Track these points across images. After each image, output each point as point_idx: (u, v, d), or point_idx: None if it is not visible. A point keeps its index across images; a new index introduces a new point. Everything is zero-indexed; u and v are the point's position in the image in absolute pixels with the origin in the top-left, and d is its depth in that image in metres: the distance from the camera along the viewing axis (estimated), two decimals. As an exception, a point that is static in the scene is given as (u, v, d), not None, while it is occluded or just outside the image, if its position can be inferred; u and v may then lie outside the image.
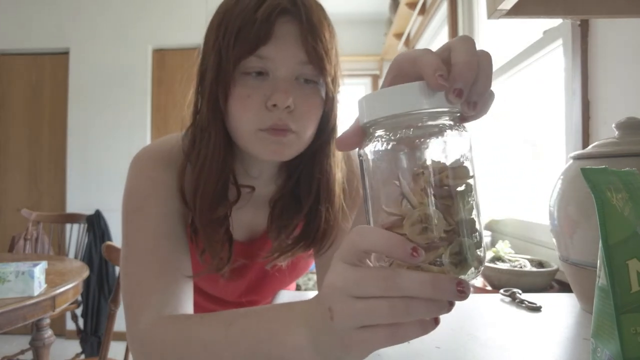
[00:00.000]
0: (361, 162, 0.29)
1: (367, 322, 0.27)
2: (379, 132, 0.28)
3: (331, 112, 0.54)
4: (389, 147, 0.27)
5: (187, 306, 0.50)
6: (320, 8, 0.52)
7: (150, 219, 0.51)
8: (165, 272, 0.49)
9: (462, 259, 0.25)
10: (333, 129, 0.56)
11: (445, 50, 0.28)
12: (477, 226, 0.27)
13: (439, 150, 0.26)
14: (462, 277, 0.25)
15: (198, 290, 0.66)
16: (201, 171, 0.52)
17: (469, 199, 0.26)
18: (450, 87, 0.26)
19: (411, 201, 0.26)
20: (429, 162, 0.26)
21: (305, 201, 0.57)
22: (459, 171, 0.26)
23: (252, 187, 0.58)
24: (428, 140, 0.27)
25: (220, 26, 0.50)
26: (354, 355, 0.30)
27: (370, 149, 0.28)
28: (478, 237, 0.26)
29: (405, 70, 0.29)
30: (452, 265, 0.25)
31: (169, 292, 0.48)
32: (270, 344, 0.35)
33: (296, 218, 0.58)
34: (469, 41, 0.28)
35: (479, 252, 0.26)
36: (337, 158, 0.58)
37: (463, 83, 0.26)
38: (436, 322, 0.27)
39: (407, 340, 0.27)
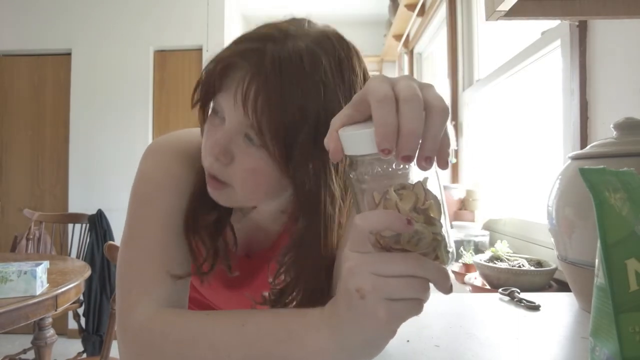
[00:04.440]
0: (351, 183, 0.33)
1: (397, 296, 0.30)
2: (362, 163, 0.32)
3: (318, 201, 0.44)
4: (372, 175, 0.31)
5: (185, 305, 0.49)
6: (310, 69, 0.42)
7: (160, 211, 0.50)
8: (169, 265, 0.48)
9: (451, 252, 0.33)
10: (328, 221, 0.45)
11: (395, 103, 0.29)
12: (449, 225, 0.33)
13: (414, 173, 0.31)
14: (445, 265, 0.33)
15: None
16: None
17: (442, 206, 0.32)
18: (398, 154, 0.28)
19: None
20: (410, 185, 0.31)
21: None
22: (433, 189, 0.32)
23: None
24: (405, 169, 0.31)
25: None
26: (386, 330, 0.32)
27: (357, 176, 0.32)
28: (449, 233, 0.33)
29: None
30: (446, 258, 0.32)
31: (170, 285, 0.47)
32: (290, 345, 0.35)
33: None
34: (414, 100, 0.28)
35: (453, 245, 0.33)
36: (330, 248, 0.48)
37: (409, 150, 0.28)
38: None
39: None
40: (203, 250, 0.51)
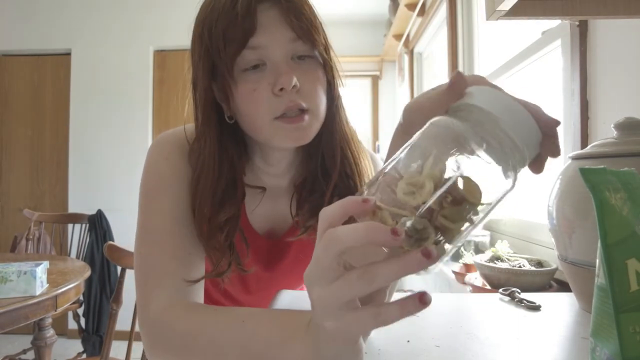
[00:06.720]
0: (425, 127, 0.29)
1: (342, 298, 0.26)
2: (462, 122, 0.28)
3: (332, 79, 0.54)
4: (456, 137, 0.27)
5: (199, 293, 0.51)
6: None
7: (167, 203, 0.52)
8: (180, 256, 0.50)
9: (419, 239, 0.24)
10: (338, 95, 0.56)
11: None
12: (457, 237, 0.26)
13: (481, 172, 0.27)
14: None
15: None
16: (199, 178, 0.52)
17: (471, 216, 0.26)
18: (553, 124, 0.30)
19: (425, 169, 0.26)
20: (463, 169, 0.26)
21: (332, 173, 0.57)
22: (478, 192, 0.26)
23: (262, 188, 0.58)
24: (483, 158, 0.27)
25: (203, 34, 0.50)
26: (343, 344, 0.29)
27: (442, 124, 0.28)
28: (450, 242, 0.26)
29: None
30: (407, 237, 0.24)
31: (183, 276, 0.49)
32: (279, 349, 0.35)
33: (324, 195, 0.57)
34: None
35: (445, 250, 0.25)
36: (351, 129, 0.59)
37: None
38: (421, 302, 0.24)
39: (391, 323, 0.25)
40: (216, 254, 0.52)
